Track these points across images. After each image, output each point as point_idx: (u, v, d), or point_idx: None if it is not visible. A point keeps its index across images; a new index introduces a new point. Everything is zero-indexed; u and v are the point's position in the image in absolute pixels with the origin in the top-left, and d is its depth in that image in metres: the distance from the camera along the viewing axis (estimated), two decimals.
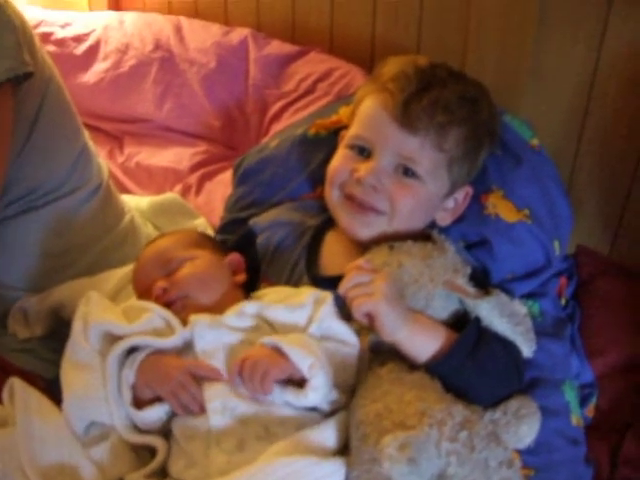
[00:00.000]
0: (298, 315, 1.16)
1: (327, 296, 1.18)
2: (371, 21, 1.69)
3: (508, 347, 1.19)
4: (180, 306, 1.20)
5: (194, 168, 1.83)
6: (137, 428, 1.15)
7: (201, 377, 1.11)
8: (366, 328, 1.19)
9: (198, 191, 1.79)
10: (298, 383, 1.09)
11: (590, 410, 1.39)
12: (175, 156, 1.87)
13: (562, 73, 1.49)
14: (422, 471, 0.98)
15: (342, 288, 1.15)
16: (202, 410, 1.09)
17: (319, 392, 1.07)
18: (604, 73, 1.45)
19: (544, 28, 1.44)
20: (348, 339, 1.15)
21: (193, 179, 1.81)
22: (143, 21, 2.00)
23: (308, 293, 1.19)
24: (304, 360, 1.07)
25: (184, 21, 1.97)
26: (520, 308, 1.25)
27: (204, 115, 1.88)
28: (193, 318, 1.16)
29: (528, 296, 1.38)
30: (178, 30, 1.93)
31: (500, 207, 1.39)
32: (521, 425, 1.15)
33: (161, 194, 1.78)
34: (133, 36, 1.94)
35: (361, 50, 1.72)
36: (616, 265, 1.55)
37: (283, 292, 1.24)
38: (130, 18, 2.02)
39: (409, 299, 1.20)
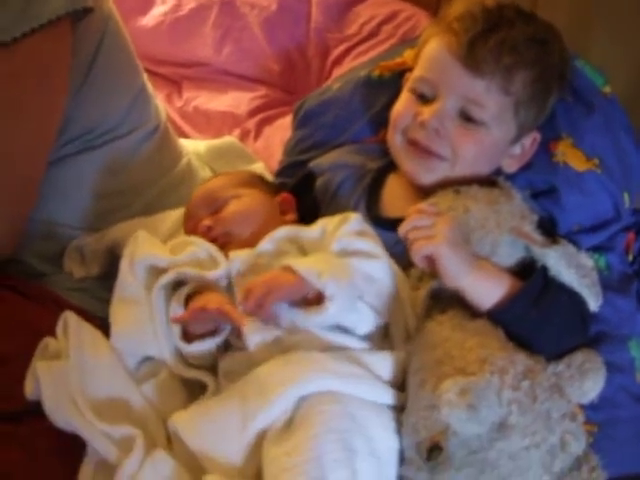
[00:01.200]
0: (325, 235, 1.15)
1: (351, 215, 1.17)
2: None
3: (574, 298, 1.15)
4: (223, 243, 1.21)
5: (253, 113, 1.80)
6: (187, 362, 1.15)
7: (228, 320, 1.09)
8: (428, 275, 1.17)
9: (257, 136, 1.76)
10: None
11: None
12: (234, 100, 1.84)
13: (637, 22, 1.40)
14: (482, 418, 0.96)
15: (402, 230, 1.12)
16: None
17: (338, 301, 1.04)
18: None
19: None
20: (372, 251, 1.11)
21: (251, 124, 1.78)
22: None
23: (334, 217, 1.18)
24: (312, 271, 1.04)
25: None
26: (587, 260, 1.21)
27: (263, 59, 1.84)
28: (232, 254, 1.17)
29: (595, 249, 1.33)
30: None
31: (569, 155, 1.34)
32: (585, 379, 1.11)
33: (219, 138, 1.77)
34: None
35: None
36: None
37: (315, 225, 1.21)
38: None
39: (475, 245, 1.16)
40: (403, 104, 1.31)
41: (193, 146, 1.71)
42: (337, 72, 1.69)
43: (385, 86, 1.45)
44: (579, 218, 1.32)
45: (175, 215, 1.41)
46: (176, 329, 1.12)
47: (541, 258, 1.16)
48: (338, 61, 1.70)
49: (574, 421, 1.03)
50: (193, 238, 1.20)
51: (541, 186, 1.33)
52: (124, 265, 1.18)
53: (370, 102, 1.46)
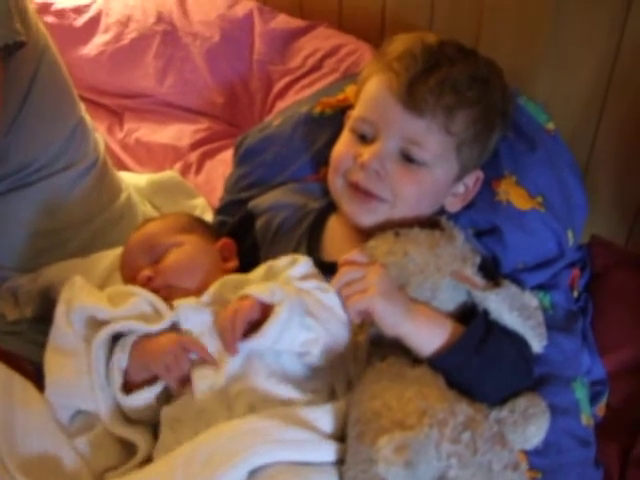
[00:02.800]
0: (273, 280, 1.12)
1: (302, 258, 1.15)
2: None
3: (517, 342, 1.13)
4: (165, 294, 1.16)
5: (195, 146, 1.77)
6: (124, 418, 1.11)
7: (193, 352, 1.07)
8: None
9: (198, 169, 1.73)
10: None
11: (601, 409, 1.32)
12: (176, 133, 1.80)
13: (582, 55, 1.41)
14: (420, 474, 0.92)
15: (335, 286, 1.10)
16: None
17: (286, 304, 1.03)
18: (626, 56, 1.36)
19: (564, 7, 1.36)
20: (323, 286, 1.10)
21: (193, 157, 1.75)
22: None
23: (283, 258, 1.16)
24: (262, 289, 1.05)
25: None
26: (531, 300, 1.19)
27: (207, 91, 1.81)
28: (177, 302, 1.13)
29: (539, 287, 1.32)
30: (181, 2, 1.85)
31: (512, 194, 1.33)
32: (529, 425, 1.10)
33: (160, 172, 1.72)
34: (135, 8, 1.86)
35: (371, 26, 1.64)
36: (632, 257, 1.48)
37: (260, 269, 1.19)
38: None
39: (414, 289, 1.14)
40: (343, 145, 1.28)
41: (134, 180, 1.68)
42: (280, 105, 1.66)
43: (326, 123, 1.43)
44: (523, 257, 1.31)
45: (111, 256, 1.37)
46: (117, 380, 1.08)
47: (482, 302, 1.14)
48: (281, 94, 1.67)
49: (516, 470, 0.99)
50: (134, 289, 1.16)
51: (484, 225, 1.31)
52: (60, 313, 1.14)
53: (311, 139, 1.43)
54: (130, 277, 1.21)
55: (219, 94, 1.79)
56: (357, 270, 1.10)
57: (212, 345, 1.08)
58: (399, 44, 1.26)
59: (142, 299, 1.14)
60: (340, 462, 1.01)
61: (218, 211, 1.49)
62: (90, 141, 1.49)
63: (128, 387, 1.10)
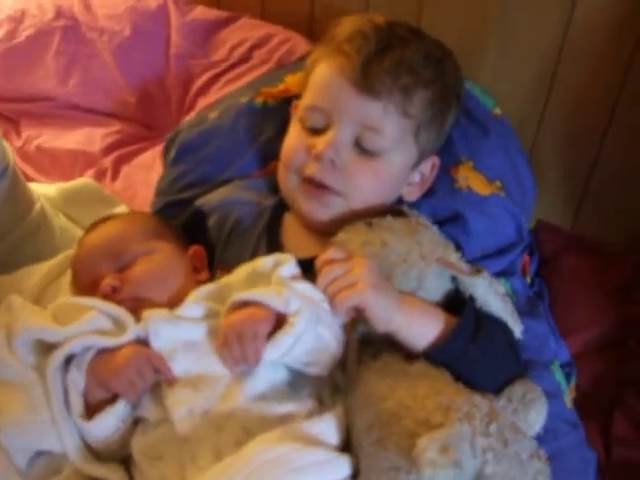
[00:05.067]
0: (261, 283, 1.01)
1: (287, 256, 1.05)
2: None
3: (503, 328, 1.09)
4: (132, 307, 1.02)
5: (108, 150, 1.61)
6: (93, 454, 0.96)
7: (157, 369, 0.94)
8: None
9: (114, 176, 1.58)
10: None
11: (572, 390, 1.31)
12: (84, 137, 1.64)
13: (529, 37, 1.40)
14: (465, 474, 0.85)
15: (320, 286, 1.00)
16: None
17: (304, 315, 0.93)
18: (575, 38, 1.37)
19: None
20: (313, 295, 0.99)
21: (107, 162, 1.60)
22: None
23: (264, 259, 1.05)
24: (274, 295, 0.94)
25: None
26: (501, 287, 1.16)
27: (117, 90, 1.66)
28: (147, 314, 0.99)
29: (499, 274, 1.28)
30: None
31: (472, 179, 1.29)
32: (530, 411, 1.05)
33: (71, 180, 1.55)
34: (29, 2, 1.69)
35: (298, 16, 1.58)
36: (579, 241, 1.49)
37: (239, 272, 1.07)
38: None
39: (398, 280, 1.06)
40: (293, 138, 1.20)
41: (42, 190, 1.49)
42: (202, 102, 1.55)
43: (270, 114, 1.34)
44: (484, 243, 1.27)
45: (42, 270, 1.22)
46: (77, 404, 0.94)
47: (469, 288, 1.08)
48: (203, 90, 1.56)
49: (540, 459, 0.94)
50: (88, 300, 1.01)
51: (445, 213, 1.26)
52: None
53: (255, 132, 1.34)
54: (87, 286, 1.06)
55: (131, 93, 1.66)
56: (340, 266, 1.01)
57: (186, 362, 0.96)
58: (347, 26, 1.19)
59: (99, 313, 0.99)
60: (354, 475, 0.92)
61: (156, 214, 1.34)
62: None
63: (89, 413, 0.95)
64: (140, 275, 1.05)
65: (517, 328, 1.13)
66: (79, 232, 1.50)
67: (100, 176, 1.58)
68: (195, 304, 1.01)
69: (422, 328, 1.02)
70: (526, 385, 1.08)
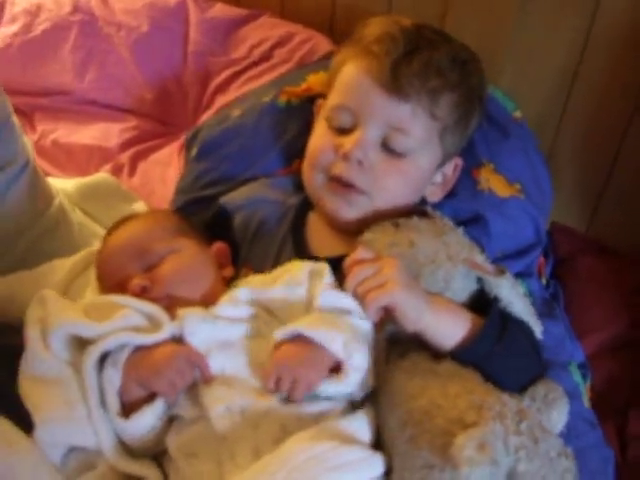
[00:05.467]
0: (297, 293, 1.02)
1: (323, 267, 1.04)
2: None
3: (526, 329, 1.10)
4: (166, 304, 1.02)
5: (125, 146, 1.61)
6: (127, 451, 0.96)
7: (198, 368, 0.95)
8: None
9: (132, 172, 1.57)
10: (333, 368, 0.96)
11: (587, 391, 1.33)
12: (101, 132, 1.64)
13: (549, 42, 1.41)
14: (500, 471, 0.87)
15: (350, 286, 1.01)
16: None
17: (361, 370, 0.95)
18: (594, 44, 1.39)
19: None
20: (356, 310, 1.00)
21: (124, 158, 1.59)
22: None
23: (300, 267, 1.05)
24: (336, 340, 0.93)
25: None
26: (521, 288, 1.18)
27: (134, 86, 1.66)
28: (182, 312, 0.99)
29: (517, 276, 1.30)
30: None
31: (493, 181, 1.31)
32: (552, 411, 1.07)
33: (88, 175, 1.54)
34: None
35: (319, 16, 1.58)
36: (594, 243, 1.52)
37: (269, 276, 1.07)
38: None
39: (426, 281, 1.07)
40: (320, 138, 1.21)
41: (59, 185, 1.49)
42: (221, 100, 1.55)
43: (294, 113, 1.35)
44: (504, 245, 1.29)
45: (66, 265, 1.21)
46: (113, 403, 0.93)
47: (494, 289, 1.09)
48: (222, 88, 1.56)
49: (568, 458, 0.96)
50: (122, 298, 1.01)
51: (467, 214, 1.27)
52: (33, 335, 0.98)
53: (279, 131, 1.35)
54: (115, 287, 1.06)
55: (148, 89, 1.65)
56: (369, 266, 1.01)
57: (221, 361, 0.97)
58: (375, 27, 1.20)
59: (133, 311, 0.99)
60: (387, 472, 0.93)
61: (177, 212, 1.34)
62: (19, 142, 1.32)
63: (124, 410, 0.95)
64: (169, 273, 1.05)
65: (537, 329, 1.15)
66: (97, 228, 1.50)
67: (117, 172, 1.58)
68: (231, 305, 1.01)
69: (450, 328, 1.03)
70: (548, 385, 1.10)
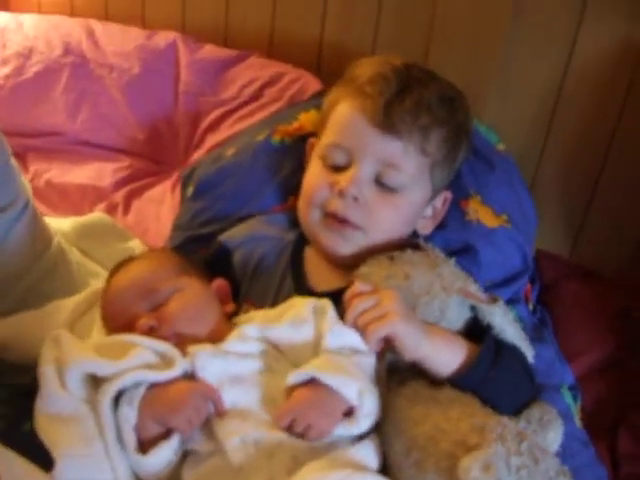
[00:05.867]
0: (304, 331, 1.05)
1: (326, 304, 1.08)
2: (320, 24, 1.60)
3: (518, 354, 1.14)
4: (175, 342, 1.04)
5: (118, 185, 1.65)
6: None
7: (212, 402, 0.97)
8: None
9: (126, 210, 1.61)
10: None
11: (578, 412, 1.38)
12: (95, 172, 1.67)
13: (530, 77, 1.49)
14: None
15: (349, 318, 1.04)
16: None
17: (372, 417, 0.98)
18: (574, 78, 1.46)
19: (515, 32, 1.44)
20: (361, 347, 1.03)
21: (118, 197, 1.63)
22: (47, 23, 1.78)
23: (304, 304, 1.08)
24: (351, 387, 0.96)
25: (95, 24, 1.78)
26: (511, 314, 1.23)
27: (126, 126, 1.70)
28: (193, 349, 1.02)
29: (506, 303, 1.36)
30: (90, 33, 1.74)
31: (481, 212, 1.36)
32: (548, 432, 1.11)
33: (83, 215, 1.57)
34: (37, 39, 1.72)
35: (306, 55, 1.63)
36: (578, 268, 1.57)
37: (272, 311, 1.11)
38: (30, 20, 1.79)
39: (422, 311, 1.11)
40: (315, 176, 1.25)
41: (55, 224, 1.52)
42: (212, 139, 1.60)
43: (288, 152, 1.40)
44: (493, 274, 1.34)
45: (69, 305, 1.23)
46: (130, 440, 0.95)
47: (487, 316, 1.14)
48: (213, 127, 1.61)
49: (566, 477, 1.00)
50: (133, 337, 1.03)
51: (457, 245, 1.32)
52: (48, 375, 1.00)
53: (274, 169, 1.39)
54: (122, 327, 1.08)
55: (140, 129, 1.69)
56: (369, 299, 1.05)
57: (233, 395, 0.99)
58: (367, 68, 1.25)
59: (145, 349, 1.01)
60: None
61: (175, 250, 1.37)
62: (19, 183, 1.34)
63: (144, 446, 0.97)
64: (177, 312, 1.08)
65: (529, 353, 1.20)
66: (94, 266, 1.53)
67: (111, 210, 1.61)
68: (239, 341, 1.04)
69: (447, 356, 1.07)
70: (542, 407, 1.14)
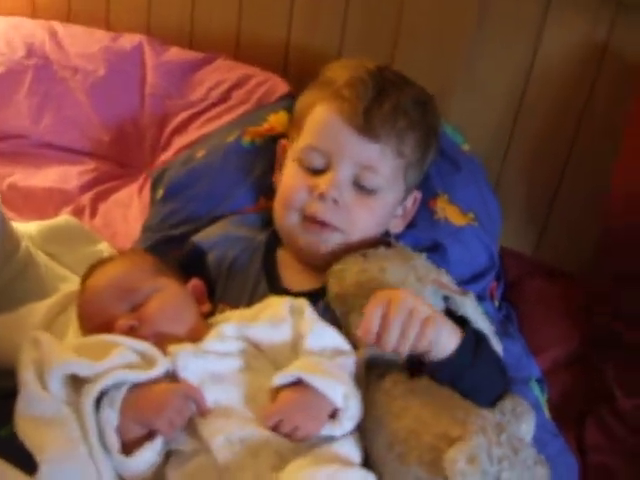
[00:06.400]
0: (282, 331, 1.06)
1: (303, 303, 1.10)
2: (286, 25, 1.61)
3: (490, 345, 1.17)
4: (155, 342, 1.04)
5: (84, 188, 1.63)
6: None
7: (195, 402, 0.97)
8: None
9: (93, 213, 1.59)
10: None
11: (545, 404, 1.41)
12: (59, 175, 1.65)
13: (495, 78, 1.52)
14: None
15: (369, 337, 0.98)
16: None
17: (355, 419, 1.00)
18: (537, 81, 1.50)
19: (481, 31, 1.47)
20: (343, 347, 1.06)
21: (85, 200, 1.61)
22: (7, 24, 1.74)
23: (280, 304, 1.09)
24: (337, 391, 0.98)
25: (58, 26, 1.75)
26: (480, 308, 1.26)
27: (91, 129, 1.68)
28: (174, 348, 1.02)
29: None
30: (53, 35, 1.71)
31: (448, 211, 1.39)
32: (521, 423, 1.12)
33: (48, 218, 1.54)
34: None
35: (273, 57, 1.64)
36: (541, 266, 1.61)
37: (249, 311, 1.12)
38: None
39: None
40: (292, 179, 1.26)
41: (21, 228, 1.49)
42: (179, 141, 1.60)
43: (259, 153, 1.40)
44: (461, 271, 1.36)
45: (43, 307, 1.22)
46: (114, 441, 0.95)
47: (460, 308, 1.16)
48: (180, 129, 1.60)
49: (543, 466, 1.03)
50: (114, 337, 1.03)
51: (426, 243, 1.35)
52: (28, 377, 0.99)
53: (245, 170, 1.40)
54: (100, 327, 1.07)
55: (105, 132, 1.68)
56: (399, 316, 0.99)
57: (214, 394, 0.99)
58: (342, 72, 1.27)
59: (128, 349, 1.01)
60: None
61: (147, 251, 1.35)
62: None
63: (126, 447, 0.96)
64: (156, 312, 1.08)
65: (498, 347, 1.23)
66: (62, 270, 1.50)
67: (78, 213, 1.59)
68: (218, 340, 1.05)
69: (450, 340, 1.05)
70: (514, 399, 1.15)
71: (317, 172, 1.23)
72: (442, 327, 1.03)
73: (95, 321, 1.09)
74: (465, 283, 1.37)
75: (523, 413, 1.15)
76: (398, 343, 0.98)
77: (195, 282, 1.19)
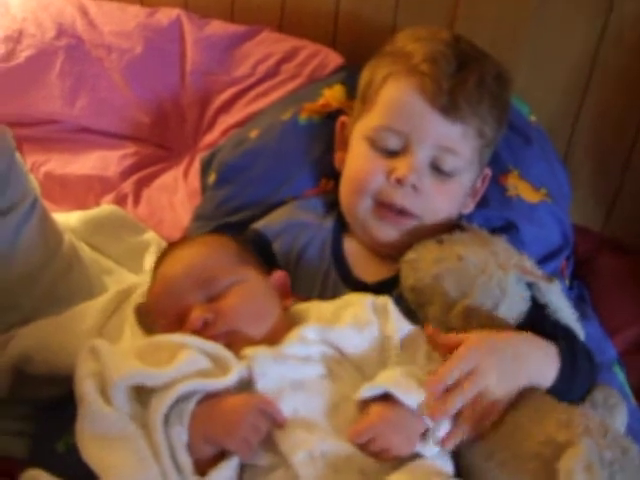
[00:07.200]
0: (368, 334, 0.98)
1: (386, 301, 1.01)
2: None
3: (576, 336, 1.10)
4: (226, 342, 0.95)
5: (126, 174, 1.53)
6: None
7: (272, 417, 0.88)
8: None
9: (136, 200, 1.50)
10: None
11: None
12: (99, 161, 1.56)
13: (563, 43, 1.43)
14: None
15: (434, 394, 0.90)
16: None
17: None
18: (609, 45, 1.40)
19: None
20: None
21: (127, 187, 1.52)
22: (35, 4, 1.63)
23: (362, 303, 1.01)
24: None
25: (89, 3, 1.64)
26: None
27: (129, 111, 1.58)
28: (250, 352, 0.92)
29: None
30: (84, 13, 1.61)
31: (520, 188, 1.31)
32: (616, 415, 1.07)
33: (87, 208, 1.48)
34: (26, 21, 1.59)
35: (321, 28, 1.54)
36: (611, 242, 1.53)
37: (326, 307, 1.03)
38: (16, 1, 1.63)
39: (481, 292, 1.05)
40: (365, 162, 1.16)
41: (62, 220, 1.41)
42: (225, 120, 1.50)
43: (318, 131, 1.32)
44: (535, 250, 1.27)
45: (96, 308, 1.13)
46: (186, 460, 0.86)
47: (545, 295, 1.09)
48: (225, 107, 1.51)
49: None
50: (181, 338, 0.94)
51: (498, 222, 1.27)
52: (88, 390, 0.90)
53: (305, 149, 1.31)
54: (174, 322, 0.98)
55: (144, 113, 1.58)
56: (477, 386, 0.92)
57: (293, 403, 0.91)
58: (417, 43, 1.17)
59: (197, 352, 0.92)
60: None
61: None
62: (26, 178, 1.24)
63: (197, 466, 0.88)
64: (236, 306, 0.98)
65: (581, 333, 1.16)
66: (107, 263, 1.43)
67: (121, 201, 1.50)
68: (299, 344, 0.95)
69: (541, 372, 0.99)
70: (604, 390, 1.09)
71: (391, 154, 1.14)
72: (539, 364, 0.97)
73: (168, 314, 1.00)
74: (538, 263, 1.28)
75: (616, 405, 1.08)
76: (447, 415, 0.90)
77: (280, 274, 1.09)
